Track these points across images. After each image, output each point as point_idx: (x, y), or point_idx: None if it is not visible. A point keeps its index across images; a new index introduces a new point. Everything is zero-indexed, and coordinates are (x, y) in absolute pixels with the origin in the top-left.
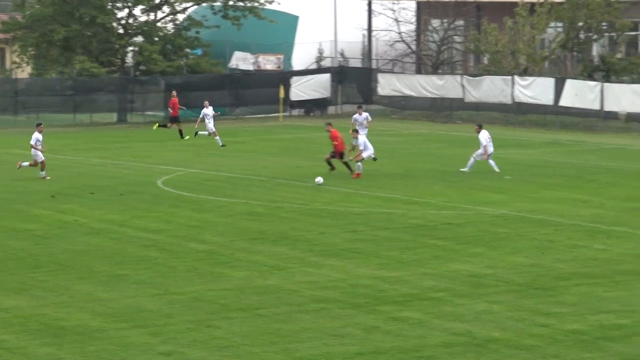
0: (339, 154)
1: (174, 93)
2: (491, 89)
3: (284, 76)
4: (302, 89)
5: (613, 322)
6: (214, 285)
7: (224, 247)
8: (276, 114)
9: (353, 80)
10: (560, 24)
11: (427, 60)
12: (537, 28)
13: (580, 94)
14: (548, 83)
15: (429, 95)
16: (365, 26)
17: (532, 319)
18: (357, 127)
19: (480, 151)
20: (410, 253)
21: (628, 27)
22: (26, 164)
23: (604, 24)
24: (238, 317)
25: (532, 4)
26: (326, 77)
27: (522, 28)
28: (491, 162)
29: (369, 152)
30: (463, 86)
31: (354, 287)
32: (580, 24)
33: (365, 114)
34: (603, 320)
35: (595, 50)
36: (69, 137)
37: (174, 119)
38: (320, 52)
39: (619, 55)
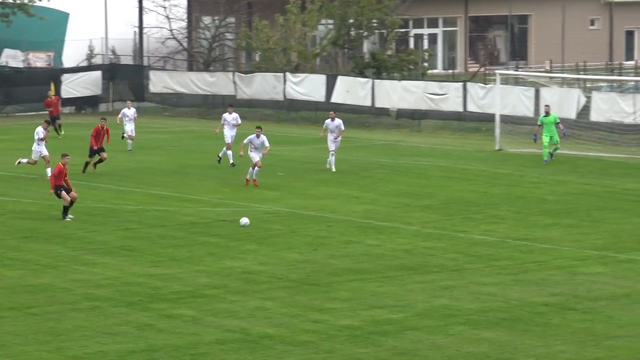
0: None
1: (50, 93)
2: (263, 85)
3: (55, 73)
4: (73, 87)
5: (386, 317)
6: None
7: None
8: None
9: (125, 78)
10: (331, 21)
11: (198, 57)
12: (308, 25)
13: (351, 90)
14: (319, 80)
15: (201, 92)
16: (137, 23)
17: (306, 315)
18: (225, 127)
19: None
20: (184, 250)
21: (398, 24)
22: (24, 160)
23: (374, 21)
24: (10, 316)
25: (303, 1)
26: (97, 74)
27: (294, 25)
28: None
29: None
30: (235, 83)
31: (128, 285)
32: (351, 21)
33: (235, 114)
34: (376, 315)
35: (366, 47)
36: None
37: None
38: (91, 49)
39: (389, 52)
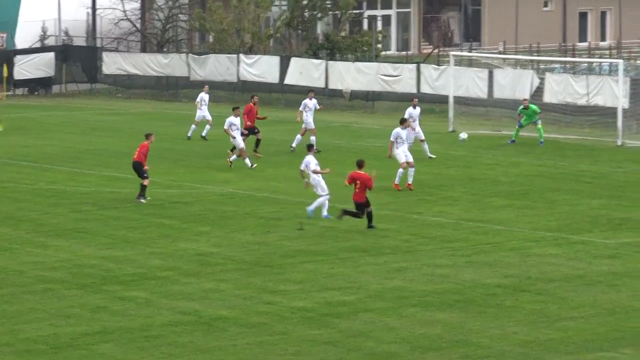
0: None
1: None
2: (217, 67)
3: (8, 55)
4: (26, 68)
5: (338, 298)
6: None
7: None
8: None
9: (78, 59)
10: (284, 3)
11: (152, 38)
12: (261, 6)
13: (305, 72)
14: (273, 61)
15: (155, 73)
16: (90, 4)
17: (259, 297)
18: (306, 113)
19: None
20: (138, 232)
21: (351, 5)
22: (234, 157)
23: (327, 2)
24: None
25: None
26: (50, 55)
27: (247, 6)
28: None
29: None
30: (189, 65)
31: (81, 267)
32: (305, 2)
33: (315, 100)
34: (329, 297)
35: (320, 28)
36: None
37: None
38: (44, 30)
39: (343, 34)
